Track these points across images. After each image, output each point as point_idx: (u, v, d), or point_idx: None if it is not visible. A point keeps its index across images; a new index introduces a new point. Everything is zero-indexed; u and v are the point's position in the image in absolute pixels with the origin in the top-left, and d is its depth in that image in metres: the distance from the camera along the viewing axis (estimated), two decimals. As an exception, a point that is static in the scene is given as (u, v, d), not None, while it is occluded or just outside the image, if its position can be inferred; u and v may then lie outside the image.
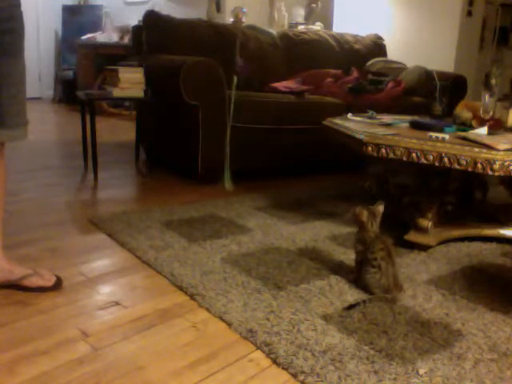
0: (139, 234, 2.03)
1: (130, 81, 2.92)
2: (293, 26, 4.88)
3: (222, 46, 3.39)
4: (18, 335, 1.32)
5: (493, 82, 2.16)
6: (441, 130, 2.04)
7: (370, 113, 2.48)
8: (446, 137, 1.90)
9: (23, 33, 1.42)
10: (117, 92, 2.91)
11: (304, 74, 3.60)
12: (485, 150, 1.76)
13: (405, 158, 1.87)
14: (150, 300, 1.54)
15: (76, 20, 6.58)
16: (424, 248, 2.02)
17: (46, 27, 6.74)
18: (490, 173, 1.74)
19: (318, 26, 4.90)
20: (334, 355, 1.28)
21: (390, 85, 3.48)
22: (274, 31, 3.88)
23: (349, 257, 1.88)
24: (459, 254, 2.03)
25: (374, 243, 1.62)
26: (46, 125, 4.93)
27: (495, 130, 2.07)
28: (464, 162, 1.77)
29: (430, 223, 2.04)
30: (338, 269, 1.80)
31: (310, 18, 5.18)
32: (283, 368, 1.23)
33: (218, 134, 2.82)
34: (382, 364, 1.25)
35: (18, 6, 1.40)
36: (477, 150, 1.77)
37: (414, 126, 2.20)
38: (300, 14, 5.13)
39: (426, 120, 2.35)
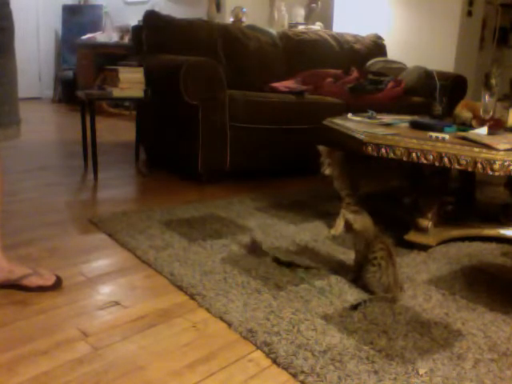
0: (139, 234, 2.03)
1: (130, 81, 2.92)
2: (293, 25, 4.88)
3: (222, 46, 3.39)
4: (18, 335, 1.32)
5: (493, 82, 2.16)
6: (441, 130, 2.04)
7: (370, 113, 2.48)
8: (446, 137, 1.90)
9: (13, 31, 1.42)
10: (117, 92, 2.91)
11: (304, 73, 3.60)
12: (485, 150, 1.76)
13: (405, 158, 1.87)
14: (150, 300, 1.54)
15: (76, 20, 6.58)
16: (424, 248, 2.02)
17: (46, 27, 6.74)
18: (490, 173, 1.74)
19: (317, 26, 4.90)
20: (333, 355, 1.27)
21: (390, 85, 3.49)
22: (274, 31, 3.88)
23: (349, 257, 1.88)
24: (459, 253, 2.02)
25: (373, 243, 1.63)
26: (46, 125, 4.93)
27: (495, 130, 2.07)
28: (464, 162, 1.77)
29: (430, 223, 2.04)
30: (338, 269, 1.80)
31: (310, 18, 5.18)
32: (283, 368, 1.23)
33: (218, 133, 2.82)
34: (381, 364, 1.25)
35: (7, 4, 1.39)
36: (477, 149, 1.77)
37: (414, 125, 2.20)
38: (300, 14, 5.14)
39: (426, 120, 2.35)
